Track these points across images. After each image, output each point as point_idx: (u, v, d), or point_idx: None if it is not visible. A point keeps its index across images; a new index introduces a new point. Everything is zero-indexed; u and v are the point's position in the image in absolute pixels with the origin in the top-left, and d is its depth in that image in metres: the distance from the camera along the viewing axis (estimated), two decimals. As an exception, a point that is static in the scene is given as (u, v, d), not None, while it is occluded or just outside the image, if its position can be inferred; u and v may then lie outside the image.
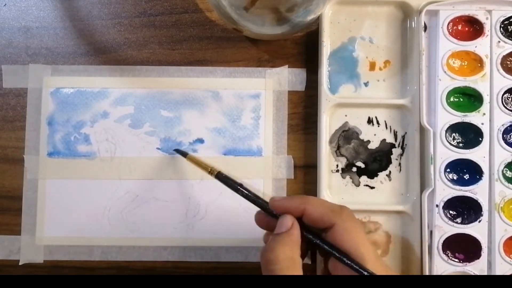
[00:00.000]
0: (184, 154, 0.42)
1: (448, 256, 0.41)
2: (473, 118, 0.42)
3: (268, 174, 0.44)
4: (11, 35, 0.45)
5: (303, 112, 0.44)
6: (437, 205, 0.41)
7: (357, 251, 0.32)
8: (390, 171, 0.43)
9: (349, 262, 0.32)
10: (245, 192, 0.36)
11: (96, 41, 0.45)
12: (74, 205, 0.43)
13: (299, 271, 0.32)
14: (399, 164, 0.43)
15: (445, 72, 0.42)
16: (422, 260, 0.41)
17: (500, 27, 0.42)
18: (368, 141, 0.44)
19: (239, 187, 0.36)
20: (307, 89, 0.44)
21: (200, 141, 0.44)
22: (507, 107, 0.42)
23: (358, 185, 0.43)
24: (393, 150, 0.43)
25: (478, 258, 0.41)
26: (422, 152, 0.42)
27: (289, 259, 0.32)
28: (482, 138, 0.41)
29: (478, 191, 0.41)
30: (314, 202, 0.34)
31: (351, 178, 0.43)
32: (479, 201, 0.41)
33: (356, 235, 0.32)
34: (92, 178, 0.44)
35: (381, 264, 0.32)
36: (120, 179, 0.44)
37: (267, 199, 0.35)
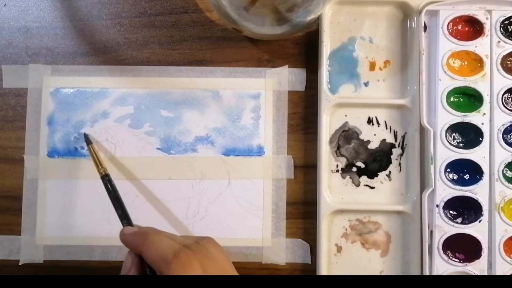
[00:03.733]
0: (88, 141, 0.43)
1: (449, 256, 0.41)
2: (473, 118, 0.42)
3: (268, 174, 0.44)
4: (11, 35, 0.45)
5: (303, 112, 0.44)
6: (437, 205, 0.41)
7: None
8: (390, 171, 0.43)
9: None
10: (117, 204, 0.38)
11: (96, 41, 0.45)
12: (74, 205, 0.43)
13: None
14: (399, 164, 0.43)
15: (445, 72, 0.42)
16: (422, 260, 0.41)
17: (500, 27, 0.42)
18: (368, 141, 0.43)
19: (115, 197, 0.38)
20: (307, 89, 0.44)
21: (200, 141, 0.44)
22: (507, 107, 0.42)
23: (358, 185, 0.43)
24: (393, 150, 0.43)
25: (479, 258, 0.41)
26: (422, 152, 0.42)
27: None
28: (482, 138, 0.41)
29: (478, 191, 0.41)
30: (149, 246, 0.33)
31: (351, 178, 0.43)
32: (479, 201, 0.41)
33: None
34: (92, 178, 0.44)
35: None
36: (120, 179, 0.44)
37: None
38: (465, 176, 0.42)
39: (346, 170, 0.43)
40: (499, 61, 0.42)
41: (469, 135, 0.42)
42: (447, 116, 0.42)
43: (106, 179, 0.39)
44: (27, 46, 0.45)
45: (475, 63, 0.42)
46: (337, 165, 0.43)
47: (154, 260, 0.32)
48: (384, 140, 0.43)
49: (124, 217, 0.38)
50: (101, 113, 0.44)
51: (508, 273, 0.41)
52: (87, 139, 0.43)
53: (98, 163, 0.41)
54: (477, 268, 0.41)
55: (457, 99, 0.42)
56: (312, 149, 0.43)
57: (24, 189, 0.44)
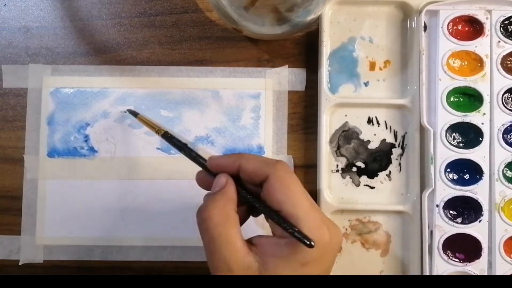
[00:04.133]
0: (135, 114, 0.42)
1: (449, 256, 0.41)
2: (473, 118, 0.42)
3: (268, 174, 0.43)
4: (11, 35, 0.45)
5: (303, 112, 0.44)
6: (437, 205, 0.41)
7: (289, 199, 0.31)
8: (390, 171, 0.43)
9: (276, 219, 0.31)
10: (188, 152, 0.36)
11: (96, 41, 0.45)
12: (74, 205, 0.43)
13: (233, 226, 0.31)
14: (399, 164, 0.43)
15: (445, 72, 0.42)
16: (422, 260, 0.41)
17: (500, 27, 0.42)
18: (368, 141, 0.44)
19: (183, 146, 0.36)
20: (307, 89, 0.44)
21: (200, 141, 0.44)
22: (507, 107, 0.42)
23: (358, 185, 0.43)
24: (393, 150, 0.43)
25: (479, 258, 0.41)
26: (422, 152, 0.42)
27: (223, 215, 0.31)
28: (482, 138, 0.41)
29: (478, 191, 0.41)
30: (248, 157, 0.33)
31: (351, 178, 0.43)
32: (479, 201, 0.41)
33: (288, 185, 0.31)
34: (92, 178, 0.44)
35: (314, 213, 0.31)
36: (120, 179, 0.44)
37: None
38: (465, 176, 0.42)
39: (346, 170, 0.43)
40: (499, 61, 0.42)
41: (469, 135, 0.42)
42: (447, 116, 0.42)
43: (168, 136, 0.38)
44: (27, 46, 0.45)
45: (475, 63, 0.42)
46: (337, 165, 0.43)
47: (256, 167, 0.32)
48: (384, 140, 0.43)
49: (200, 156, 0.36)
50: (101, 113, 0.44)
51: (508, 273, 0.41)
52: (133, 112, 0.42)
53: (152, 127, 0.40)
54: (477, 268, 0.41)
55: (457, 99, 0.42)
56: (312, 149, 0.43)
57: (24, 189, 0.44)
